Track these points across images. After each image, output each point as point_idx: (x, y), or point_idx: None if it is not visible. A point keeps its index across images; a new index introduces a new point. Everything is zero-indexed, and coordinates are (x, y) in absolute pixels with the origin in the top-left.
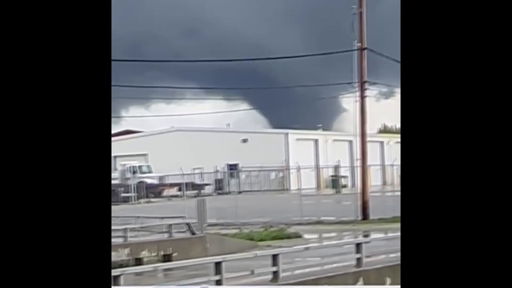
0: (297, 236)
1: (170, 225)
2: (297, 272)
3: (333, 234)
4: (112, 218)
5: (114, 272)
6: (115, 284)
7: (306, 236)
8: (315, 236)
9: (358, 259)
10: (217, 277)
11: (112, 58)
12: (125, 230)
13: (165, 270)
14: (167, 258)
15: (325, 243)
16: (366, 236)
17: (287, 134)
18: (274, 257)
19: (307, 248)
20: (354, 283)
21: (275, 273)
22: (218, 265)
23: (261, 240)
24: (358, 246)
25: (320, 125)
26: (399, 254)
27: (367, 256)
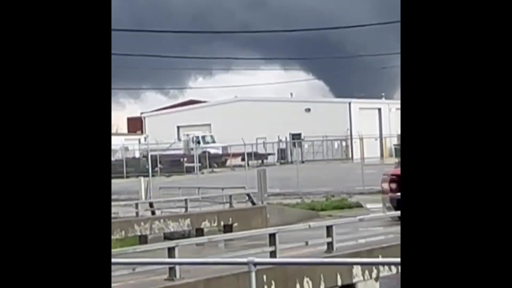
0: (359, 205)
1: (231, 195)
2: (351, 243)
3: None
4: (174, 189)
5: (169, 244)
6: (171, 256)
7: (368, 205)
8: (377, 205)
9: None
10: (271, 249)
11: (179, 29)
12: (185, 201)
13: (226, 240)
14: (227, 228)
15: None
16: None
17: (350, 103)
18: (328, 228)
19: (361, 220)
20: None
21: (329, 244)
22: (272, 236)
23: (322, 210)
24: None
25: (383, 94)
26: None
27: None
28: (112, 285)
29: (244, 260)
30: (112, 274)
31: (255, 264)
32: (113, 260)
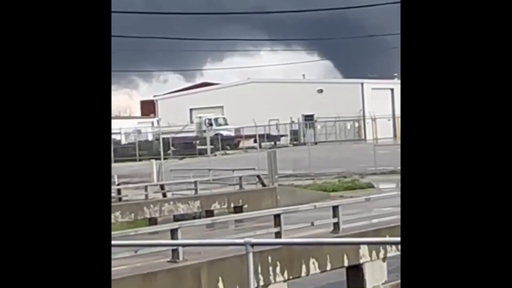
0: (370, 186)
1: (241, 177)
2: (360, 223)
3: None
4: (185, 171)
5: (172, 226)
6: (174, 238)
7: (380, 186)
8: (389, 186)
9: None
10: (276, 229)
11: (194, 10)
12: (195, 183)
13: (236, 221)
14: (237, 210)
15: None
16: None
17: (362, 84)
18: (334, 208)
19: (367, 199)
20: None
21: (336, 225)
22: (277, 217)
23: (333, 190)
24: None
25: (395, 74)
26: None
27: None
28: (113, 267)
29: (241, 241)
30: (113, 256)
31: (252, 245)
32: (113, 242)
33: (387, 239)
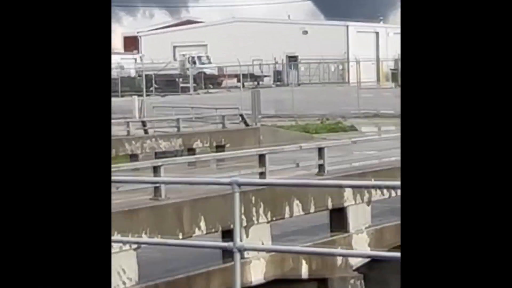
0: (353, 129)
1: (224, 116)
2: (344, 166)
3: (391, 128)
4: (168, 109)
5: (155, 163)
6: (156, 175)
7: (363, 129)
8: (372, 129)
9: None
10: (261, 169)
11: None
12: (178, 120)
13: (218, 160)
14: (219, 149)
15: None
16: None
17: (347, 26)
18: (320, 150)
19: (353, 142)
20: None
21: (321, 167)
22: (261, 157)
23: (316, 132)
24: None
25: (381, 17)
26: None
27: None
28: None
29: (228, 180)
30: None
31: (239, 184)
32: None
33: (383, 182)
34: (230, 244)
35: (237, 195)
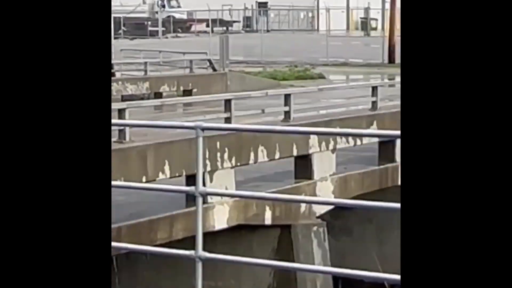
0: (321, 77)
1: (191, 60)
2: (310, 113)
3: (359, 76)
4: (135, 52)
5: (120, 105)
6: (121, 118)
7: (331, 77)
8: (340, 77)
9: (373, 103)
10: (226, 115)
11: None
12: (145, 64)
13: (185, 105)
14: (186, 93)
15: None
16: (391, 79)
17: None
18: (286, 96)
19: (320, 89)
20: (367, 127)
21: (287, 113)
22: (227, 102)
23: (284, 79)
24: (374, 89)
25: None
26: None
27: (391, 100)
28: None
29: (192, 124)
30: None
31: (203, 129)
32: None
33: (348, 130)
34: (192, 188)
35: (200, 140)
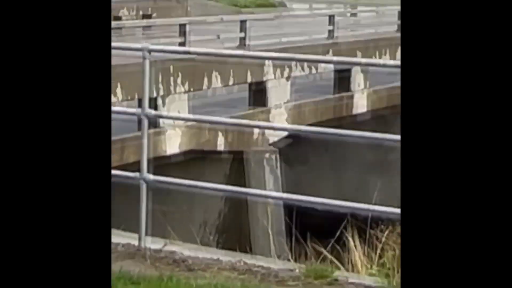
0: (283, 5)
1: None
2: (266, 41)
3: (321, 5)
4: None
5: None
6: None
7: (294, 6)
8: (302, 5)
9: (330, 31)
10: (181, 39)
11: None
12: None
13: (144, 28)
14: (146, 18)
15: (297, 12)
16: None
17: None
18: (242, 23)
19: (277, 17)
20: (323, 55)
21: (242, 40)
22: (182, 27)
23: (245, 6)
24: (331, 18)
25: None
26: (381, 29)
27: (353, 31)
28: None
29: (139, 46)
30: None
31: (150, 51)
32: None
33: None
34: (139, 110)
35: (147, 62)
